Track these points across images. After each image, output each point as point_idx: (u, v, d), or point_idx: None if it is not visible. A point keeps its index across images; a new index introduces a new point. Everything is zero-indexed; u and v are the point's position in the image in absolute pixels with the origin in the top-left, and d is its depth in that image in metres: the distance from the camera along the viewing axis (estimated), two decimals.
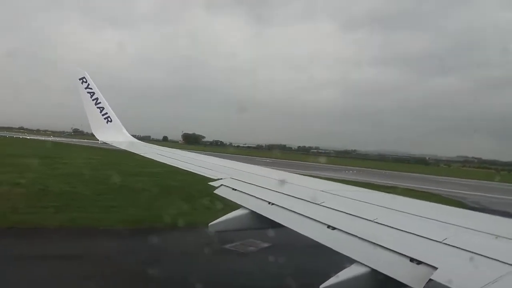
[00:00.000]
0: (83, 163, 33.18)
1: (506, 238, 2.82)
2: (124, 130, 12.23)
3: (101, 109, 11.76)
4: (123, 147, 11.27)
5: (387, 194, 5.31)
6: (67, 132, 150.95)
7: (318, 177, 8.51)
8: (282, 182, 5.91)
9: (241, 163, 8.55)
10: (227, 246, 11.57)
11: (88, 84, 11.70)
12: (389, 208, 3.86)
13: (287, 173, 8.14)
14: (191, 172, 7.44)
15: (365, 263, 2.84)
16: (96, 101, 11.73)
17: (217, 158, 9.55)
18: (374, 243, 3.05)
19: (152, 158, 9.42)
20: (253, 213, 4.47)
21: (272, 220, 4.17)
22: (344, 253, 3.08)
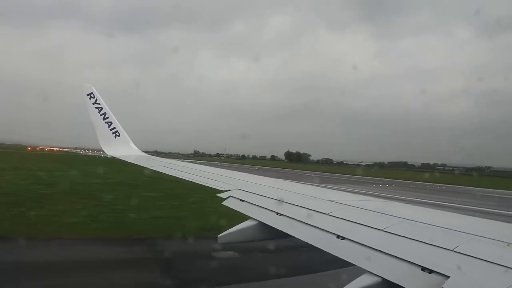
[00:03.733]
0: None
1: None
2: (132, 144, 12.37)
3: (109, 124, 11.92)
4: (131, 160, 11.37)
5: (396, 203, 5.28)
6: (191, 154, 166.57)
7: None
8: (291, 192, 5.90)
9: (249, 174, 8.52)
10: None
11: (96, 100, 11.89)
12: (399, 217, 3.83)
13: (296, 183, 8.13)
14: (197, 183, 7.45)
15: (376, 273, 2.81)
16: (104, 116, 11.90)
17: (225, 170, 9.55)
18: (384, 252, 3.03)
19: (158, 170, 9.50)
20: (261, 224, 4.46)
21: (281, 231, 4.16)
22: (354, 263, 3.05)
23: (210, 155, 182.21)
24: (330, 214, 4.14)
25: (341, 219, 3.97)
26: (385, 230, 3.42)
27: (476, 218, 4.19)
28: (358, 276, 2.88)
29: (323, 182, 44.21)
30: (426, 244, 3.00)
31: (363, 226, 3.67)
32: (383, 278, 2.75)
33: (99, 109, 11.88)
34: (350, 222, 3.85)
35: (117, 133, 11.99)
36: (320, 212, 4.26)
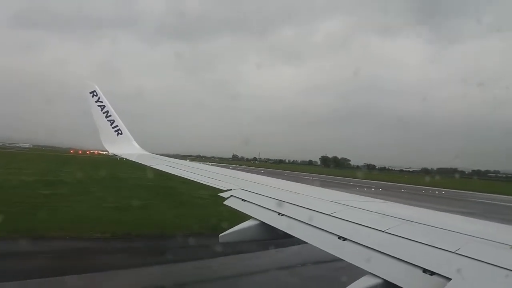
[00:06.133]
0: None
1: None
2: (134, 142, 12.36)
3: (111, 122, 11.94)
4: (133, 159, 11.35)
5: (398, 205, 5.26)
6: (229, 158, 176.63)
7: None
8: (293, 193, 5.89)
9: (253, 174, 8.49)
10: None
11: (99, 98, 11.92)
12: (401, 219, 3.82)
13: (298, 184, 8.12)
14: (199, 182, 7.43)
15: (377, 274, 2.80)
16: (107, 114, 11.92)
17: (230, 170, 9.54)
18: (386, 254, 3.02)
19: (160, 169, 9.48)
20: (262, 224, 4.46)
21: (282, 231, 4.15)
22: (356, 264, 3.05)
23: (247, 159, 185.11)
24: (332, 215, 4.13)
25: (342, 220, 3.96)
26: (387, 231, 3.41)
27: (478, 220, 4.17)
28: (360, 278, 2.87)
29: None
30: (427, 246, 2.99)
31: (364, 227, 3.66)
32: (384, 279, 2.74)
33: (102, 107, 11.90)
34: (351, 223, 3.83)
35: (119, 131, 12.01)
36: (322, 213, 4.25)
